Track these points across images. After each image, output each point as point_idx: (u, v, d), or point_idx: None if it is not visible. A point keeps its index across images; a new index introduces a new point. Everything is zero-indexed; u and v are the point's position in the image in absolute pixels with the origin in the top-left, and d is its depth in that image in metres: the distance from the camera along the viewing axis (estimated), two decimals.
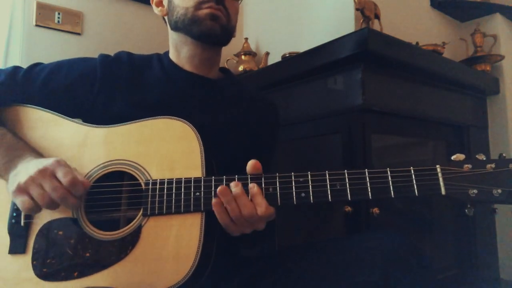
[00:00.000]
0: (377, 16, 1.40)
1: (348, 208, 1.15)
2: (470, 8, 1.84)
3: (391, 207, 1.37)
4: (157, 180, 0.71)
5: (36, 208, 0.67)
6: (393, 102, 1.29)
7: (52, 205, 0.67)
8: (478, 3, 1.83)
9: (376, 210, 1.14)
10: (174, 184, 0.70)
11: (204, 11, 0.83)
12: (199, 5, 0.83)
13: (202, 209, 0.68)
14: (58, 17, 1.50)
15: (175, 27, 0.89)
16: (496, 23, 1.81)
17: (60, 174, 0.66)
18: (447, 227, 1.58)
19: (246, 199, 0.67)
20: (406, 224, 1.43)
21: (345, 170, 0.67)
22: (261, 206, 0.66)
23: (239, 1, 0.93)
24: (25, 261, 0.70)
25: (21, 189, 0.66)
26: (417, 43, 1.51)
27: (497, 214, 0.65)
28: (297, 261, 0.79)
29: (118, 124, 0.77)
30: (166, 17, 0.93)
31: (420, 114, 1.39)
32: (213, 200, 0.67)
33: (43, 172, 0.66)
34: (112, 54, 0.92)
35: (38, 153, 0.75)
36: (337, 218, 1.26)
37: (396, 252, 0.71)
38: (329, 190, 0.67)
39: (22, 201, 0.67)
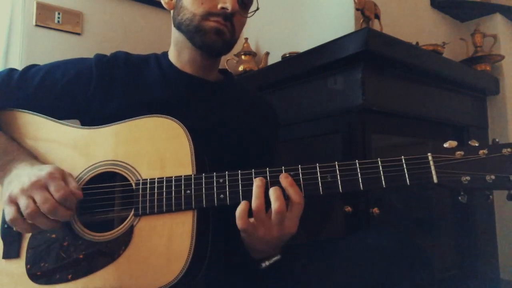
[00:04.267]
0: (377, 16, 1.40)
1: (348, 208, 1.15)
2: (470, 8, 1.84)
3: (391, 207, 1.37)
4: (147, 179, 0.70)
5: (20, 221, 0.65)
6: (393, 102, 1.29)
7: (39, 218, 0.64)
8: (478, 3, 1.83)
9: (376, 210, 1.14)
10: (164, 183, 0.69)
11: (210, 24, 0.82)
12: (207, 15, 0.82)
13: (193, 207, 0.68)
14: (58, 17, 1.50)
15: (178, 27, 0.88)
16: (496, 23, 1.81)
17: (52, 189, 0.64)
18: (447, 227, 1.57)
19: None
20: (406, 224, 1.43)
21: (336, 162, 0.67)
22: (297, 195, 0.66)
23: (249, 16, 0.91)
24: (19, 265, 0.70)
25: (11, 200, 0.65)
26: (417, 43, 1.51)
27: (490, 201, 0.65)
28: (297, 260, 0.79)
29: (108, 125, 0.76)
30: (171, 12, 0.92)
31: (420, 114, 1.39)
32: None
33: (35, 184, 0.64)
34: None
35: (33, 156, 0.75)
36: (337, 218, 1.26)
37: (397, 250, 0.70)
38: (320, 183, 0.66)
39: (8, 213, 0.65)
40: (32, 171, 0.67)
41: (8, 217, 0.65)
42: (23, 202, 0.64)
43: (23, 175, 0.66)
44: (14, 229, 0.70)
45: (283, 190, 0.67)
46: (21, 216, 0.65)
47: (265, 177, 0.68)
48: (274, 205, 0.65)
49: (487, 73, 1.71)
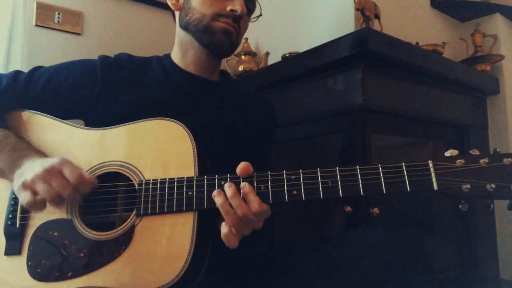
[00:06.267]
0: (377, 16, 1.40)
1: (348, 208, 1.15)
2: (470, 8, 1.84)
3: (391, 207, 1.37)
4: (150, 180, 0.71)
5: (39, 204, 0.68)
6: (393, 102, 1.29)
7: (59, 201, 0.68)
8: (478, 3, 1.83)
9: (376, 210, 1.14)
10: (166, 184, 0.70)
11: (219, 24, 0.85)
12: (216, 16, 0.84)
13: (194, 208, 0.69)
14: (58, 17, 1.50)
15: (185, 28, 0.89)
16: (496, 23, 1.81)
17: (67, 172, 0.67)
18: (447, 227, 1.58)
19: (240, 199, 0.66)
20: (406, 224, 1.43)
21: (337, 167, 0.67)
22: (254, 203, 0.66)
23: (252, 21, 0.94)
24: (20, 262, 0.70)
25: (26, 186, 0.67)
26: (417, 43, 1.51)
27: (490, 209, 0.65)
28: (296, 260, 0.79)
29: (112, 126, 0.77)
30: (176, 13, 0.93)
31: (420, 114, 1.39)
32: (220, 201, 0.67)
33: (49, 171, 0.66)
34: (112, 54, 0.92)
35: (41, 153, 0.76)
36: (337, 218, 1.26)
37: (396, 248, 0.71)
38: (320, 187, 0.66)
39: (25, 197, 0.67)
40: (44, 161, 0.69)
41: (25, 201, 0.68)
42: (41, 187, 0.66)
43: (35, 166, 0.68)
44: (18, 216, 0.73)
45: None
46: (41, 200, 0.67)
47: (266, 181, 0.68)
48: (237, 211, 0.66)
49: (487, 73, 1.71)
